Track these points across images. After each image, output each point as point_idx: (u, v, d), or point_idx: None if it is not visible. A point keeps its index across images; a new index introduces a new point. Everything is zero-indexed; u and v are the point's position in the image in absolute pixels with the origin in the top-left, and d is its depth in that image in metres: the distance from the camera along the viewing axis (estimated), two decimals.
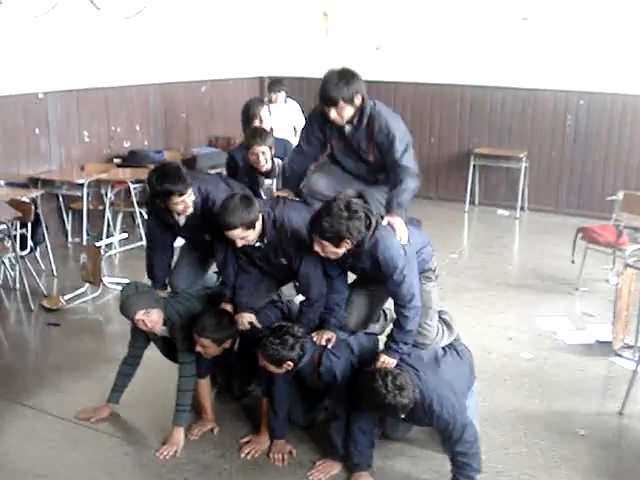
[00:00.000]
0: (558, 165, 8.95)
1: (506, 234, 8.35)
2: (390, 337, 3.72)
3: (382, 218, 3.67)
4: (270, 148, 4.55)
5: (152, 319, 3.88)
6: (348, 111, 3.76)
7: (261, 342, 3.61)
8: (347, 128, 3.89)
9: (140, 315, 3.85)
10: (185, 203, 3.92)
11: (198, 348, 3.86)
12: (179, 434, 3.95)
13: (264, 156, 4.53)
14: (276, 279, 4.17)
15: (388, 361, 3.63)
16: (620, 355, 5.11)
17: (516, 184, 8.98)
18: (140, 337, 4.19)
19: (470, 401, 3.91)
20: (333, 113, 3.76)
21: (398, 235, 3.61)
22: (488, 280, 6.68)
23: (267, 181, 4.73)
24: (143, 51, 8.19)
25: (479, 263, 7.22)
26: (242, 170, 4.75)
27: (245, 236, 3.68)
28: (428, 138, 9.60)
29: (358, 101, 3.75)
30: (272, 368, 3.66)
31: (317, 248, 3.49)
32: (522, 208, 9.02)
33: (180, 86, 8.85)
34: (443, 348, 3.95)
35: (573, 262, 6.48)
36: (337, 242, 3.43)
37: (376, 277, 3.66)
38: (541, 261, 7.24)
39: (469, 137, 9.35)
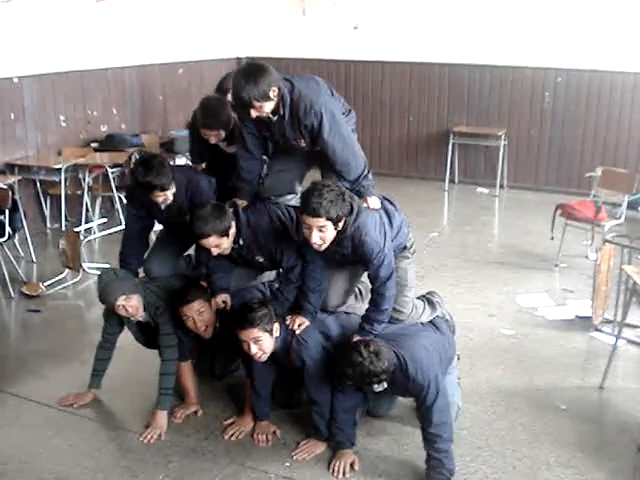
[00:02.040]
0: (537, 142, 8.98)
1: (486, 212, 8.38)
2: (365, 317, 3.76)
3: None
4: (226, 123, 4.20)
5: (132, 304, 3.88)
6: (268, 106, 3.65)
7: (242, 309, 3.63)
8: (273, 119, 3.79)
9: (121, 301, 3.84)
10: (166, 196, 3.91)
11: (190, 322, 3.87)
12: (163, 418, 3.95)
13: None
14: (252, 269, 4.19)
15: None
16: (600, 330, 5.16)
17: (495, 162, 9.01)
18: (114, 323, 4.17)
19: (451, 377, 3.94)
20: (253, 113, 3.66)
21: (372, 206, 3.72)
22: (468, 258, 6.72)
23: None
24: (119, 33, 8.10)
25: (459, 241, 7.25)
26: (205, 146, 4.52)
27: (219, 244, 3.73)
28: (407, 117, 9.60)
29: (274, 94, 3.63)
30: (265, 338, 3.63)
31: (316, 237, 3.44)
32: (501, 186, 9.06)
33: (157, 68, 8.78)
34: (422, 323, 3.97)
35: (552, 239, 6.51)
36: (336, 222, 3.43)
37: (354, 262, 3.68)
38: (521, 238, 7.28)
39: (448, 116, 9.36)
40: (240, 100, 3.63)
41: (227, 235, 3.73)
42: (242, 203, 3.96)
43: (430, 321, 4.00)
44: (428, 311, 4.03)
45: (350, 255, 3.65)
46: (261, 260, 3.94)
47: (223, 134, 4.25)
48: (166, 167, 3.87)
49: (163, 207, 4.02)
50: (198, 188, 4.08)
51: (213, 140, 4.27)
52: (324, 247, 3.53)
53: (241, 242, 3.85)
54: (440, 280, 5.94)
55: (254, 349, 3.58)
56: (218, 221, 3.67)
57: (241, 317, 3.58)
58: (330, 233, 3.47)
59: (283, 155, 4.05)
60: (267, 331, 3.58)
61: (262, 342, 3.57)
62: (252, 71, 3.64)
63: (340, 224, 3.46)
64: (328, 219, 3.40)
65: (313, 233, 3.44)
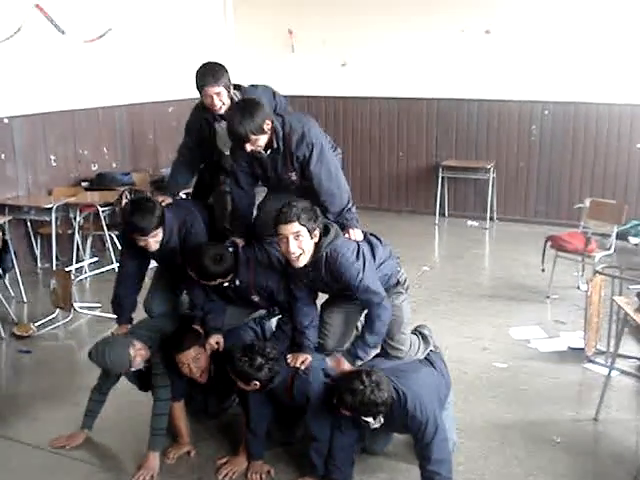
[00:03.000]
0: (525, 175, 9.05)
1: (476, 245, 8.41)
2: (354, 342, 3.82)
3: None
4: (227, 88, 4.09)
5: (137, 363, 3.91)
6: (262, 140, 3.76)
7: (231, 357, 3.64)
8: (263, 155, 3.87)
9: (136, 363, 3.88)
10: (147, 242, 3.91)
11: (185, 369, 3.86)
12: (155, 459, 3.91)
13: (219, 97, 4.08)
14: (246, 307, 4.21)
15: (343, 362, 3.71)
16: (593, 361, 5.16)
17: (485, 195, 9.06)
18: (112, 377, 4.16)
19: (447, 412, 3.93)
20: (249, 147, 3.75)
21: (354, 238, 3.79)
22: (460, 291, 6.72)
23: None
24: (109, 73, 8.15)
25: (451, 275, 7.26)
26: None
27: (222, 282, 3.85)
28: (396, 152, 9.66)
29: (268, 127, 3.74)
30: (240, 383, 3.68)
31: (294, 246, 3.49)
32: (491, 218, 9.10)
33: (147, 107, 8.82)
34: (419, 360, 3.97)
35: (543, 270, 6.54)
36: (310, 230, 3.50)
37: (341, 291, 3.71)
38: (512, 270, 7.30)
39: (437, 150, 9.42)
40: (236, 134, 3.71)
41: (228, 275, 3.82)
42: (240, 242, 4.00)
43: (425, 357, 4.00)
44: (423, 346, 4.05)
45: (331, 281, 3.69)
46: (256, 299, 3.99)
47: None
48: (154, 214, 3.85)
49: (157, 245, 4.03)
50: (192, 231, 4.09)
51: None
52: (303, 260, 3.55)
53: (237, 282, 3.88)
54: (432, 314, 5.94)
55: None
56: (218, 266, 3.77)
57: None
58: (307, 242, 3.51)
59: (274, 195, 4.09)
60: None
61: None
62: (247, 106, 3.75)
63: (315, 234, 3.52)
64: (302, 225, 3.46)
65: (290, 242, 3.49)
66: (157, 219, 3.86)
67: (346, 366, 3.73)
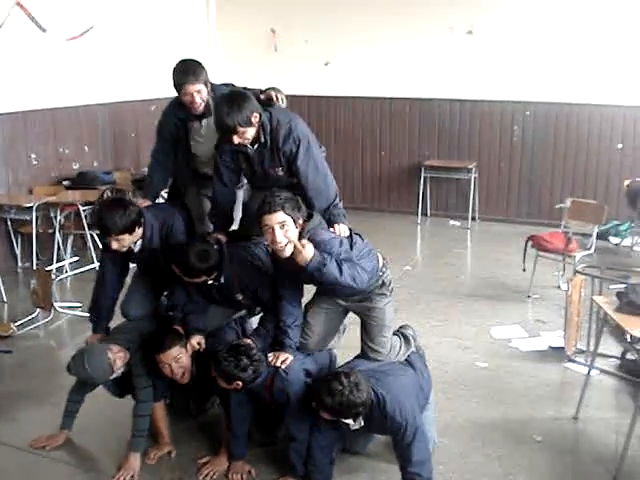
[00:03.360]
0: (507, 175, 9.09)
1: (458, 244, 8.43)
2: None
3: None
4: (206, 84, 4.10)
5: (122, 356, 3.88)
6: (250, 132, 3.76)
7: (216, 356, 3.63)
8: (250, 149, 3.88)
9: (117, 369, 3.85)
10: (119, 243, 3.87)
11: (166, 369, 3.84)
12: (135, 459, 3.89)
13: (200, 95, 4.07)
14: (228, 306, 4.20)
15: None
16: (573, 360, 5.19)
17: (466, 195, 9.10)
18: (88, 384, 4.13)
19: (428, 413, 3.94)
20: (236, 139, 3.75)
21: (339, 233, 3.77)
22: (442, 291, 6.74)
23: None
24: (90, 71, 8.11)
25: (432, 274, 7.28)
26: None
27: (206, 280, 3.84)
28: (379, 152, 9.67)
29: (256, 120, 3.75)
30: (222, 383, 3.67)
31: (280, 236, 3.46)
32: (473, 218, 9.14)
33: (129, 105, 8.78)
34: (399, 362, 3.97)
35: (524, 270, 6.57)
36: (295, 218, 3.48)
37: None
38: (493, 270, 7.33)
39: (419, 150, 9.45)
40: (224, 126, 3.70)
41: (214, 272, 3.81)
42: (223, 238, 4.00)
43: (406, 360, 4.00)
44: (404, 348, 4.04)
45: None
46: (240, 298, 3.97)
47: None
48: (125, 215, 3.81)
49: (138, 246, 4.01)
50: (173, 230, 4.08)
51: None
52: (289, 249, 3.50)
53: (222, 280, 3.87)
54: (414, 313, 5.95)
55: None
56: (204, 263, 3.75)
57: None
58: (292, 231, 3.48)
59: (259, 194, 4.07)
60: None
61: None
62: (235, 98, 3.74)
63: (299, 223, 3.51)
64: (287, 214, 3.45)
65: (276, 232, 3.45)
66: (127, 220, 3.81)
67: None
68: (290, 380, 3.70)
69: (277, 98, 3.96)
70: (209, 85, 4.12)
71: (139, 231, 3.93)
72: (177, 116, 4.25)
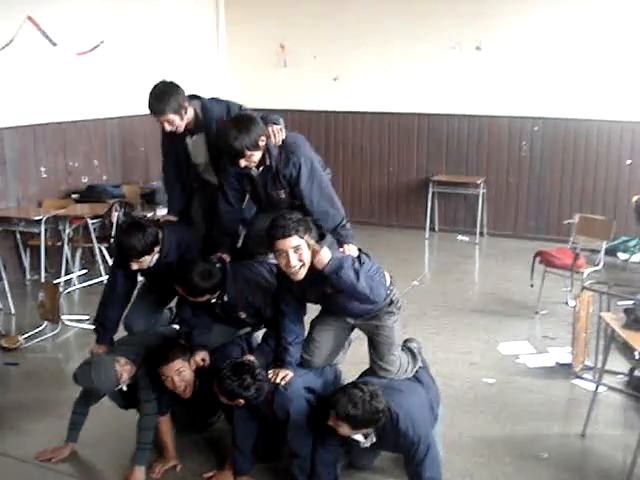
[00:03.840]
0: (515, 190, 9.08)
1: (466, 260, 8.42)
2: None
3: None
4: (177, 111, 4.03)
5: (128, 369, 3.90)
6: (257, 156, 3.77)
7: (220, 373, 3.62)
8: (254, 172, 3.88)
9: (123, 379, 3.87)
10: (140, 264, 3.95)
11: (169, 383, 3.85)
12: (140, 473, 3.89)
13: (170, 124, 4.07)
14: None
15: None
16: (580, 377, 5.17)
17: (475, 210, 9.09)
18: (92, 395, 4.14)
19: (435, 429, 3.91)
20: (243, 162, 3.76)
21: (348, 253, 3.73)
22: (449, 306, 6.73)
23: None
24: (100, 85, 8.17)
25: (440, 289, 7.26)
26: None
27: (209, 299, 3.86)
28: (387, 167, 9.68)
29: (263, 143, 3.75)
30: (224, 399, 3.67)
31: (294, 260, 3.42)
32: (481, 233, 9.13)
33: (138, 119, 8.80)
34: (408, 379, 3.96)
35: (532, 286, 6.55)
36: (308, 240, 3.43)
37: (335, 300, 3.66)
38: (501, 286, 7.31)
39: (427, 165, 9.45)
40: (232, 149, 3.70)
41: (215, 292, 3.84)
42: (227, 257, 4.01)
43: (414, 376, 3.99)
44: (412, 365, 4.02)
45: (323, 283, 3.60)
46: (243, 316, 3.99)
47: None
48: (143, 236, 3.87)
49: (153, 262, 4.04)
50: (189, 249, 4.10)
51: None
52: (303, 272, 3.48)
53: (226, 298, 3.88)
54: (421, 329, 5.93)
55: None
56: (206, 282, 3.77)
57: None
58: (306, 253, 3.45)
59: (265, 213, 4.09)
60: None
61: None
62: (243, 121, 3.75)
63: (312, 244, 3.46)
64: (300, 237, 3.41)
65: (290, 256, 3.42)
66: (145, 243, 3.87)
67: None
68: (290, 397, 3.68)
69: (274, 136, 3.91)
70: (185, 104, 4.05)
71: (157, 248, 3.98)
72: (168, 134, 4.25)
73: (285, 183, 3.88)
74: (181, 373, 3.85)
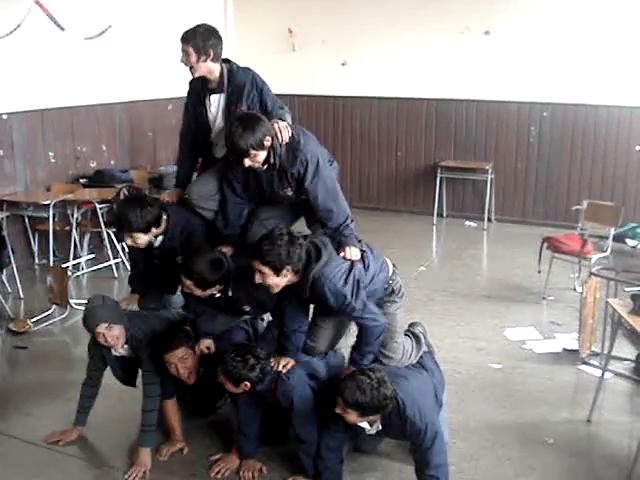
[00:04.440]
0: (523, 176, 9.05)
1: (474, 245, 8.41)
2: (351, 360, 3.79)
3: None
4: (198, 50, 4.10)
5: (113, 334, 3.87)
6: (261, 156, 3.73)
7: (223, 358, 3.64)
8: (260, 169, 3.85)
9: (102, 328, 3.83)
10: (132, 240, 3.93)
11: (172, 369, 3.87)
12: (146, 455, 3.92)
13: (187, 58, 4.14)
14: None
15: None
16: (587, 363, 5.17)
17: (483, 196, 9.07)
18: (97, 358, 4.15)
19: (440, 414, 3.93)
20: (247, 162, 3.72)
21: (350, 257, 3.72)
22: (457, 292, 6.73)
23: None
24: (108, 70, 8.16)
25: (448, 275, 7.26)
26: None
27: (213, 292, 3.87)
28: (395, 152, 9.66)
29: (268, 143, 3.72)
30: (229, 386, 3.69)
31: (257, 278, 3.48)
32: (489, 219, 9.11)
33: (146, 104, 8.83)
34: (413, 365, 3.96)
35: (539, 272, 6.55)
36: (277, 269, 3.43)
37: (327, 307, 3.66)
38: (508, 271, 7.30)
39: (435, 150, 9.43)
40: (237, 149, 3.68)
41: (218, 284, 3.83)
42: (229, 250, 4.00)
43: (418, 363, 3.99)
44: (416, 350, 4.03)
45: (316, 301, 3.67)
46: (247, 309, 3.98)
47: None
48: (143, 214, 3.85)
49: (159, 242, 4.06)
50: (194, 234, 4.11)
51: None
52: (275, 290, 3.55)
53: (230, 293, 3.89)
54: (428, 314, 5.93)
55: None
56: (212, 273, 3.77)
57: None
58: (271, 279, 3.47)
59: (268, 204, 4.09)
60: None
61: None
62: (249, 120, 3.72)
63: (285, 272, 3.45)
64: (263, 264, 3.42)
65: (255, 274, 3.48)
66: (142, 220, 3.85)
67: None
68: (293, 385, 3.69)
69: (280, 133, 3.90)
70: (208, 54, 4.09)
71: (156, 230, 3.96)
72: (195, 89, 4.29)
73: (292, 182, 3.86)
74: (184, 361, 3.87)
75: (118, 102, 8.44)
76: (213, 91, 4.21)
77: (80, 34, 7.75)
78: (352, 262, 3.69)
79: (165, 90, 8.90)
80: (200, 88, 4.25)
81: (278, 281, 3.49)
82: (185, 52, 4.11)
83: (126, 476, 3.83)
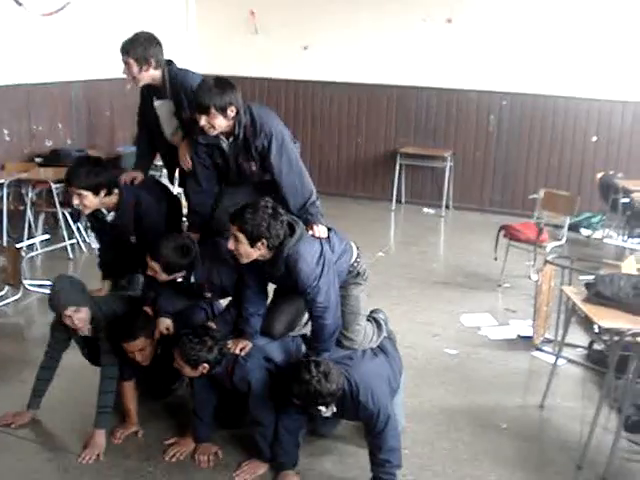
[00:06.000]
0: (482, 164, 9.13)
1: (431, 232, 8.48)
2: (309, 346, 3.80)
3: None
4: (138, 61, 4.17)
5: (80, 317, 3.84)
6: (219, 121, 3.67)
7: (180, 340, 3.61)
8: (225, 145, 3.83)
9: (70, 311, 3.79)
10: (80, 199, 3.88)
11: (137, 356, 3.85)
12: (100, 437, 3.88)
13: (128, 70, 4.23)
14: None
15: None
16: (541, 349, 5.25)
17: (441, 183, 9.14)
18: (61, 336, 4.10)
19: (397, 398, 3.95)
20: (203, 120, 3.66)
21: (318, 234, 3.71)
22: (414, 278, 6.77)
23: None
24: (66, 47, 8.02)
25: (405, 261, 7.30)
26: None
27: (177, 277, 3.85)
28: (355, 138, 9.67)
29: (231, 113, 3.67)
30: (187, 370, 3.67)
31: (231, 244, 3.47)
32: (447, 207, 9.18)
33: (104, 83, 8.67)
34: (372, 349, 3.98)
35: (496, 259, 6.62)
36: (253, 239, 3.42)
37: (293, 287, 3.64)
38: (465, 258, 7.38)
39: (395, 137, 9.46)
40: (199, 102, 3.65)
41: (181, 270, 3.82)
42: (196, 237, 3.97)
43: (379, 347, 4.00)
44: (377, 335, 4.04)
45: (286, 278, 3.61)
46: (209, 295, 3.96)
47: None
48: (94, 171, 3.84)
49: (111, 217, 4.01)
50: (148, 214, 4.07)
51: None
52: (244, 260, 3.53)
53: (192, 279, 3.86)
54: (385, 299, 5.92)
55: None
56: (180, 258, 3.75)
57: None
58: (244, 247, 3.45)
59: (232, 189, 4.04)
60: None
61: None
62: (223, 82, 3.70)
63: (260, 244, 3.44)
64: (240, 230, 3.40)
65: (230, 239, 3.47)
66: (92, 178, 3.83)
67: None
68: (250, 367, 3.68)
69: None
70: (149, 63, 4.12)
71: (106, 198, 3.92)
72: (143, 90, 4.32)
73: (256, 155, 3.82)
74: (142, 350, 3.85)
75: (75, 80, 8.30)
76: (158, 95, 4.20)
77: (38, 10, 7.59)
78: (321, 242, 3.68)
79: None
80: (147, 93, 4.28)
81: (251, 252, 3.47)
82: (126, 63, 4.12)
83: (79, 459, 3.79)
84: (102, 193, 3.89)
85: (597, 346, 5.04)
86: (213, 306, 4.17)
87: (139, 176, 4.27)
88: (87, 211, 3.98)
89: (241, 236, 3.42)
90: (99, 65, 8.45)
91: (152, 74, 4.12)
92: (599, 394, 4.16)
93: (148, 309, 4.00)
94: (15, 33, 7.41)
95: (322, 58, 9.60)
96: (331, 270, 3.62)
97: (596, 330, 4.50)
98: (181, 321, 3.97)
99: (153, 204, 4.11)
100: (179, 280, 3.87)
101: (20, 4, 7.36)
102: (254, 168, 3.89)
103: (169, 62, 4.22)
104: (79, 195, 3.85)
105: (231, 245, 3.47)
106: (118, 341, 3.85)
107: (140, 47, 4.06)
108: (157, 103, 4.21)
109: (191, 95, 3.90)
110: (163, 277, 3.81)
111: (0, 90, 7.40)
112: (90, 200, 3.88)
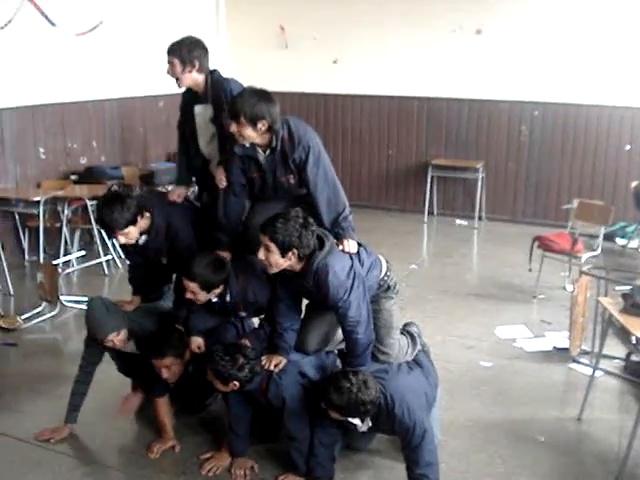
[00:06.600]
0: (514, 175, 9.07)
1: (464, 244, 8.43)
2: (346, 363, 3.78)
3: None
4: (183, 61, 4.18)
5: (121, 339, 3.92)
6: (249, 132, 3.66)
7: (212, 356, 3.62)
8: (261, 156, 3.82)
9: (112, 337, 3.87)
10: (126, 237, 3.91)
11: (164, 373, 3.88)
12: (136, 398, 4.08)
13: (172, 70, 4.21)
14: None
15: None
16: (577, 361, 5.19)
17: (473, 194, 9.09)
18: (95, 351, 4.15)
19: (433, 412, 3.93)
20: (233, 127, 3.67)
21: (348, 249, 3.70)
22: (447, 290, 6.74)
23: None
24: (100, 66, 8.13)
25: (438, 273, 7.27)
26: None
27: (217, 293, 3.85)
28: (386, 150, 9.67)
29: (262, 127, 3.65)
30: (219, 385, 3.68)
31: (261, 254, 3.47)
32: (480, 218, 9.13)
33: (137, 101, 8.80)
34: (407, 363, 3.97)
35: (530, 270, 6.56)
36: (284, 249, 3.42)
37: (322, 302, 3.64)
38: (499, 270, 7.32)
39: (426, 149, 9.44)
40: (231, 107, 3.68)
41: (214, 289, 3.82)
42: (227, 255, 3.96)
43: (414, 360, 3.99)
44: (411, 348, 4.03)
45: (315, 293, 3.61)
46: (244, 315, 3.97)
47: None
48: (124, 210, 3.81)
49: (143, 240, 4.03)
50: (180, 238, 4.08)
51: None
52: (273, 270, 3.53)
53: (228, 298, 3.87)
54: (419, 312, 5.94)
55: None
56: (212, 275, 3.76)
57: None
58: (275, 257, 3.45)
59: (263, 205, 4.03)
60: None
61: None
62: (260, 93, 3.71)
63: (290, 254, 3.44)
64: (272, 240, 3.40)
65: (260, 249, 3.47)
66: (127, 214, 3.82)
67: None
68: (284, 384, 3.68)
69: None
70: (193, 65, 4.16)
71: (142, 222, 3.94)
72: (185, 99, 4.35)
73: (294, 168, 3.82)
74: (170, 368, 3.89)
75: (109, 98, 8.41)
76: (199, 101, 4.24)
77: (71, 30, 7.71)
78: (351, 257, 3.68)
79: (156, 87, 8.85)
80: (188, 99, 4.32)
81: (281, 262, 3.47)
82: (171, 63, 4.15)
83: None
84: (138, 219, 3.92)
85: (635, 357, 4.97)
86: (244, 323, 4.18)
87: (183, 192, 4.31)
88: (132, 241, 3.99)
89: (272, 246, 3.43)
90: (132, 83, 8.58)
91: (195, 77, 4.17)
92: (638, 406, 4.10)
93: (180, 327, 4.03)
94: (50, 53, 7.54)
95: (352, 71, 9.62)
96: (361, 284, 3.61)
97: (634, 341, 4.47)
98: (212, 338, 3.98)
99: (184, 227, 4.13)
100: (214, 300, 3.87)
101: (54, 25, 7.48)
102: (292, 181, 3.88)
103: (213, 71, 4.27)
104: (124, 235, 3.89)
105: (261, 255, 3.48)
106: (150, 352, 3.89)
107: (185, 48, 4.13)
108: (197, 108, 4.25)
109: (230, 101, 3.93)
110: (202, 297, 3.80)
111: (36, 109, 7.53)
112: (133, 232, 3.92)
